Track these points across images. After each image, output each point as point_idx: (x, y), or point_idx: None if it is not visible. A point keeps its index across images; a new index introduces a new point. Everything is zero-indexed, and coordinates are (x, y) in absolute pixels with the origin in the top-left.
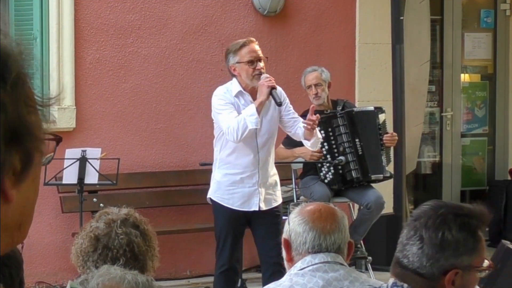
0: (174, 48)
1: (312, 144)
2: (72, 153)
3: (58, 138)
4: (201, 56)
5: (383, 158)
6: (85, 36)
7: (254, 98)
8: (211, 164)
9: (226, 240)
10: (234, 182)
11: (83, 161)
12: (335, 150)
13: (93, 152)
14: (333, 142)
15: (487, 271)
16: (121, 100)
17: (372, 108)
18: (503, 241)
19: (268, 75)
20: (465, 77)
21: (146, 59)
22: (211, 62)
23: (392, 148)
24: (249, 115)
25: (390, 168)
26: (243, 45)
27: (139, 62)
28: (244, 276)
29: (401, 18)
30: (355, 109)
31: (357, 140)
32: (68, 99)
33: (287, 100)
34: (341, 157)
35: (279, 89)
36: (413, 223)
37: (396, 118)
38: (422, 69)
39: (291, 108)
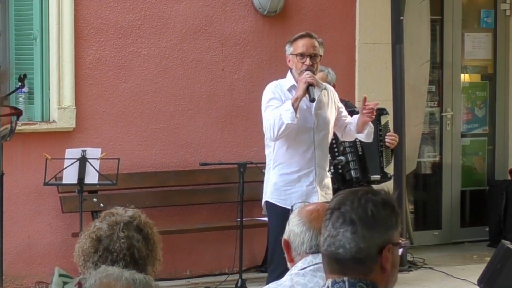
0: (174, 48)
1: (367, 135)
2: (72, 153)
3: (18, 111)
4: (201, 56)
5: (382, 159)
6: (85, 36)
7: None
8: (211, 164)
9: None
10: (291, 181)
11: (83, 161)
12: (336, 150)
13: (93, 152)
14: (334, 141)
15: (404, 248)
16: (121, 100)
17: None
18: (503, 241)
19: (309, 72)
20: (465, 77)
21: (146, 59)
22: (211, 62)
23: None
24: (285, 110)
25: (390, 168)
26: (300, 37)
27: (139, 62)
28: (244, 276)
29: (401, 18)
30: (356, 109)
31: (357, 140)
32: (68, 99)
33: (340, 103)
34: (341, 157)
35: (332, 90)
36: (337, 212)
37: (396, 118)
38: (422, 69)
39: (344, 111)
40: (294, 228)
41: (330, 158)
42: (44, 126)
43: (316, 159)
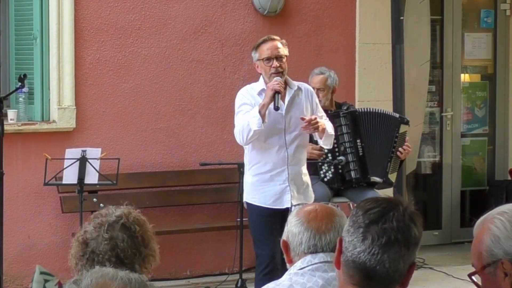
0: (174, 48)
1: (324, 142)
2: (72, 153)
3: None
4: (201, 56)
5: (389, 165)
6: (85, 36)
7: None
8: (211, 164)
9: (267, 240)
10: (265, 181)
11: (83, 161)
12: (336, 150)
13: (93, 152)
14: (334, 141)
15: None
16: (121, 100)
17: (397, 115)
18: None
19: (279, 78)
20: (465, 77)
21: (146, 59)
22: (211, 62)
23: None
24: (252, 116)
25: (393, 177)
26: (263, 42)
27: (139, 62)
28: (244, 276)
29: (401, 18)
30: (357, 110)
31: (358, 140)
32: (68, 99)
33: (317, 101)
34: (341, 157)
35: (309, 89)
36: (378, 227)
37: None
38: (422, 69)
39: (321, 112)
40: (292, 229)
41: (331, 157)
42: (44, 126)
43: (289, 159)
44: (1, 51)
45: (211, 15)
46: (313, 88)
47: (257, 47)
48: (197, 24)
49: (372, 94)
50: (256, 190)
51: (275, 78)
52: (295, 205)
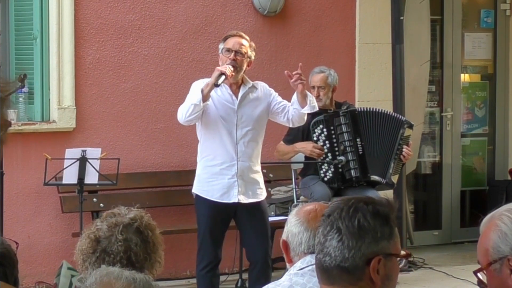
0: (174, 48)
1: (311, 106)
2: (72, 153)
3: (8, 123)
4: (201, 56)
5: (391, 165)
6: (85, 36)
7: (232, 90)
8: None
9: (208, 237)
10: (214, 173)
11: (83, 161)
12: (336, 149)
13: (93, 152)
14: (334, 140)
15: (405, 260)
16: (121, 100)
17: (403, 118)
18: None
19: (229, 66)
20: (465, 77)
21: (146, 59)
22: (211, 62)
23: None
24: (195, 93)
25: (394, 178)
26: (231, 35)
27: (139, 62)
28: (244, 276)
29: (401, 18)
30: (358, 109)
31: (358, 139)
32: (68, 99)
33: (273, 92)
34: (342, 157)
35: (265, 86)
36: (327, 219)
37: None
38: (422, 69)
39: (279, 98)
40: (292, 229)
41: (331, 156)
42: (44, 126)
43: (239, 154)
44: (1, 51)
45: (211, 15)
46: (314, 86)
47: (224, 39)
48: (197, 24)
49: (372, 94)
50: (204, 183)
51: (226, 64)
52: (295, 205)
